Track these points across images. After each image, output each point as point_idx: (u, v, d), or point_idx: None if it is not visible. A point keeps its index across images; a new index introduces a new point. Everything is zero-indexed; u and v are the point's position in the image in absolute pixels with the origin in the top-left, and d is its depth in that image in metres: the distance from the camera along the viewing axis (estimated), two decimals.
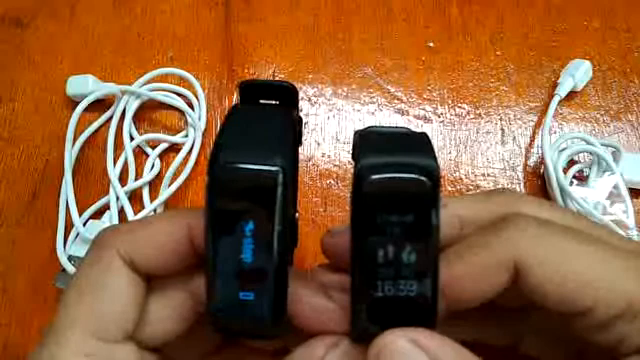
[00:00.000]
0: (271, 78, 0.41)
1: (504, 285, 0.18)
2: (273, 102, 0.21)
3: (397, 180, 0.17)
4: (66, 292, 0.19)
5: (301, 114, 0.40)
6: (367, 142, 0.18)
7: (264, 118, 0.19)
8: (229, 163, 0.17)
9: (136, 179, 0.37)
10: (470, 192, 0.38)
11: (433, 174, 0.17)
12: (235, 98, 0.40)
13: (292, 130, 0.19)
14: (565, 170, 0.37)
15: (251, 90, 0.21)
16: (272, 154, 0.17)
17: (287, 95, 0.21)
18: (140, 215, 0.35)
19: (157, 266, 0.19)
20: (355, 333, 0.19)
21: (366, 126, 0.20)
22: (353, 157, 0.22)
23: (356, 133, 0.20)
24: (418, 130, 0.19)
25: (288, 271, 0.19)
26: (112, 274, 0.19)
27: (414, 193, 0.17)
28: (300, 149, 0.39)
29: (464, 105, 0.40)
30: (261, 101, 0.21)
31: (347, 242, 0.18)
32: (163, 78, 0.40)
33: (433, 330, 0.17)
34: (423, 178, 0.17)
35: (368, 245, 0.17)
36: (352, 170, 0.40)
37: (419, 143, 0.18)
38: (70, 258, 0.34)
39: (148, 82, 0.39)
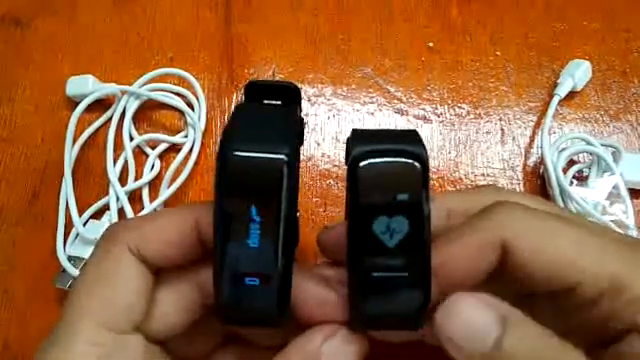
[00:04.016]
0: (271, 78, 0.41)
1: (492, 265, 0.19)
2: (277, 102, 0.22)
3: (388, 164, 0.18)
4: (75, 285, 0.20)
5: (301, 114, 0.40)
6: (359, 136, 0.19)
7: (270, 114, 0.20)
8: (237, 151, 0.17)
9: (136, 179, 0.37)
10: None
11: (422, 159, 0.18)
12: (235, 98, 0.40)
13: (296, 126, 0.20)
14: (565, 170, 0.37)
15: (256, 90, 0.22)
16: (278, 144, 0.18)
17: (290, 95, 0.22)
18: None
19: (165, 259, 0.20)
20: (354, 319, 0.19)
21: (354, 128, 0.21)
22: (347, 159, 0.23)
23: (348, 137, 0.20)
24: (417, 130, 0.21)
25: (300, 267, 0.19)
26: (122, 267, 0.19)
27: (405, 176, 0.18)
28: (300, 149, 0.39)
29: (464, 105, 0.40)
30: (265, 101, 0.22)
31: (342, 234, 0.19)
32: (163, 78, 0.40)
33: (428, 311, 0.18)
34: (413, 162, 0.18)
35: (362, 229, 0.18)
36: None
37: (408, 135, 0.19)
38: (70, 258, 0.34)
39: (148, 82, 0.39)
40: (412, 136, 0.19)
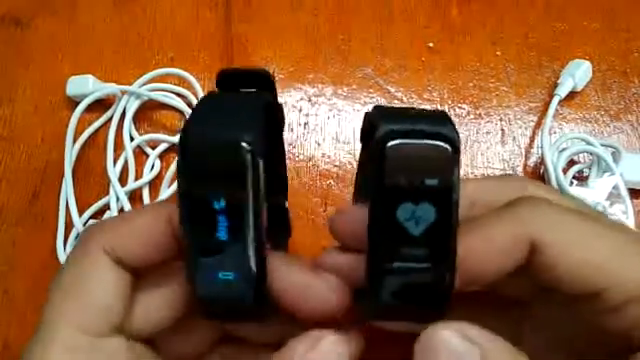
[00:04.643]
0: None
1: (517, 262, 0.18)
2: (250, 90, 0.21)
3: (418, 146, 0.17)
4: (52, 289, 0.19)
5: (301, 114, 0.40)
6: (385, 113, 0.18)
7: (234, 102, 0.20)
8: (197, 140, 0.17)
9: (136, 179, 0.37)
10: None
11: (455, 142, 0.17)
12: None
13: (261, 112, 0.19)
14: (565, 170, 0.37)
15: (227, 79, 0.22)
16: (239, 129, 0.17)
17: (262, 81, 0.22)
18: None
19: (141, 259, 0.20)
20: (370, 308, 0.18)
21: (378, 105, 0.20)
22: (362, 138, 0.21)
23: (368, 112, 0.19)
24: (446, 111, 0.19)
25: (277, 256, 0.19)
26: (97, 269, 0.19)
27: (436, 160, 0.16)
28: (300, 149, 0.39)
29: (464, 105, 0.40)
30: (241, 90, 0.21)
31: (357, 218, 0.18)
32: (163, 78, 0.40)
33: (449, 303, 0.17)
34: (445, 145, 0.16)
35: (386, 216, 0.17)
36: (352, 170, 0.40)
37: (438, 116, 0.18)
38: None
39: (148, 82, 0.39)
40: (443, 117, 0.18)
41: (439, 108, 0.40)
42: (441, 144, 0.16)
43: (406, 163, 0.16)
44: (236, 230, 0.17)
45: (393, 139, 0.16)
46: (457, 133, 0.17)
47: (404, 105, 0.40)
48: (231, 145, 0.17)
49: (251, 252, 0.17)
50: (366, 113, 0.20)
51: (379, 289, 0.17)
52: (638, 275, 0.17)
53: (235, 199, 0.17)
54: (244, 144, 0.16)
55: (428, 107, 0.40)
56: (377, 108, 0.19)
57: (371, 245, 0.17)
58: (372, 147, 0.17)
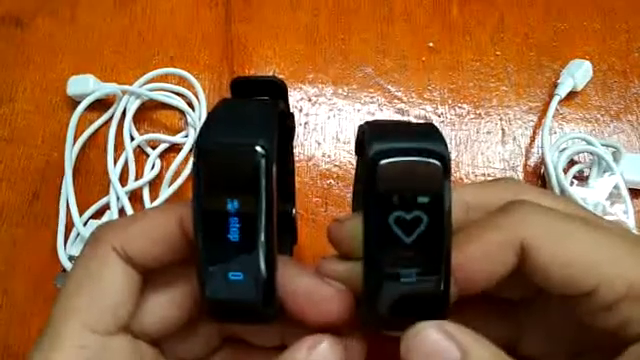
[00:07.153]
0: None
1: (511, 266, 0.18)
2: (263, 98, 0.22)
3: (409, 163, 0.17)
4: (62, 288, 0.19)
5: (301, 114, 0.40)
6: (376, 130, 0.19)
7: (248, 108, 0.20)
8: (213, 143, 0.17)
9: (136, 179, 0.37)
10: None
11: (445, 158, 0.17)
12: None
13: (275, 118, 0.19)
14: (565, 170, 0.37)
15: (241, 87, 0.22)
16: (254, 134, 0.17)
17: (275, 90, 0.22)
18: None
19: (151, 259, 0.20)
20: (368, 317, 0.19)
21: (370, 120, 0.21)
22: (357, 150, 0.22)
23: (361, 126, 0.20)
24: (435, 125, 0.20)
25: (285, 261, 0.19)
26: (107, 268, 0.19)
27: (426, 177, 0.17)
28: (300, 149, 0.39)
29: (464, 105, 0.40)
30: (253, 97, 0.22)
31: (355, 228, 0.18)
32: (163, 78, 0.40)
33: (447, 312, 0.18)
34: (436, 162, 0.17)
35: (380, 228, 0.17)
36: (352, 170, 0.40)
37: (427, 130, 0.19)
38: (70, 258, 0.34)
39: (148, 82, 0.39)
40: (432, 132, 0.18)
41: (439, 108, 0.40)
42: (431, 161, 0.17)
43: (398, 180, 0.17)
44: (247, 232, 0.17)
45: (384, 158, 0.17)
46: (446, 147, 0.17)
47: (404, 105, 0.40)
48: (246, 149, 0.17)
49: (261, 253, 0.17)
50: (359, 126, 0.20)
51: (376, 298, 0.18)
52: (627, 274, 0.17)
53: (248, 201, 0.17)
54: (259, 148, 0.17)
55: (428, 107, 0.40)
56: (369, 124, 0.19)
57: (367, 257, 0.18)
58: (365, 165, 0.18)
